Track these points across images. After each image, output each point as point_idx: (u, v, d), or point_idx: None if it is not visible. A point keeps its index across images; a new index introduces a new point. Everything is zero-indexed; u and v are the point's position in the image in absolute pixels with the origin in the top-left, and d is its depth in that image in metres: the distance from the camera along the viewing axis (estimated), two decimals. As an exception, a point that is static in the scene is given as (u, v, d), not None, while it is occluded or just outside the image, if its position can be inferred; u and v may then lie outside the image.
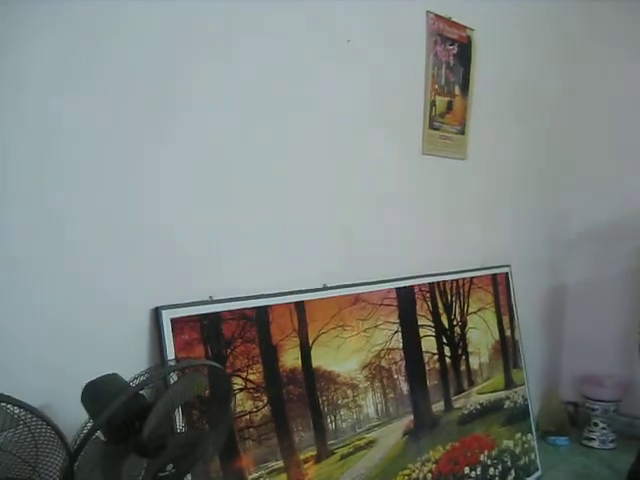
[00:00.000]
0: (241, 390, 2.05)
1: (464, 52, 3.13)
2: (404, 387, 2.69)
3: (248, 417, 2.06)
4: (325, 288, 2.40)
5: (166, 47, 1.92)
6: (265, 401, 2.11)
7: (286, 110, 2.30)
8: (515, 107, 3.57)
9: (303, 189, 2.39)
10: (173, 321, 1.91)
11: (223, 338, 2.03)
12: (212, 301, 2.03)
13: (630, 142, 4.03)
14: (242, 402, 2.04)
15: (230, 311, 2.05)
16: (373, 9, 2.62)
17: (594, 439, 3.94)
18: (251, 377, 2.09)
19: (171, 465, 1.42)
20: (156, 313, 1.90)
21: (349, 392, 2.42)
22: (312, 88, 2.39)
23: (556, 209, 4.16)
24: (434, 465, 2.75)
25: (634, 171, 3.98)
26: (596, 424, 3.95)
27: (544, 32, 3.71)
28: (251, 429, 2.06)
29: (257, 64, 2.18)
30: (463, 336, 3.10)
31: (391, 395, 2.61)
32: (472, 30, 3.16)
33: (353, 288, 2.51)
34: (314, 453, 2.25)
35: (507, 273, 3.47)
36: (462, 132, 3.16)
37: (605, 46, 4.05)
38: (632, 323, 3.44)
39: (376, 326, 2.59)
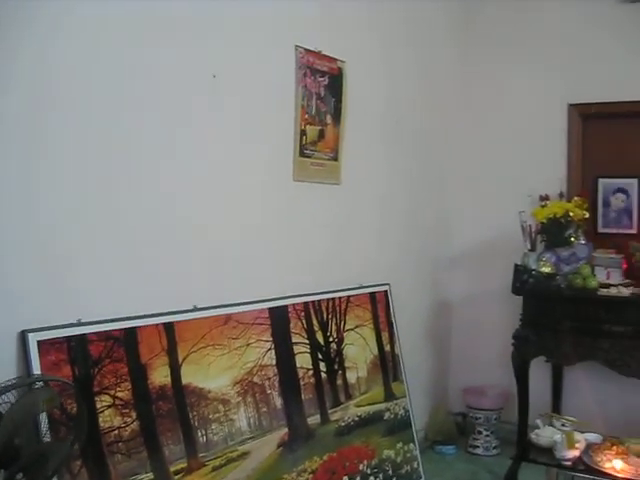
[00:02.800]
0: (109, 407, 2.29)
1: (335, 83, 3.49)
2: (278, 401, 2.97)
3: (117, 432, 2.29)
4: (195, 309, 2.66)
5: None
6: (134, 417, 2.35)
7: (156, 141, 2.58)
8: (387, 133, 3.97)
9: (176, 214, 2.66)
10: (40, 343, 2.14)
11: (91, 358, 2.27)
12: (79, 323, 2.26)
13: (503, 165, 4.52)
14: (110, 418, 2.28)
15: (97, 333, 2.29)
16: (243, 45, 2.93)
17: (478, 446, 4.34)
18: (120, 394, 2.32)
19: (21, 474, 1.64)
20: (23, 336, 2.12)
21: (220, 407, 2.68)
22: (184, 121, 2.68)
23: (438, 230, 4.59)
24: (311, 475, 3.03)
25: (506, 192, 4.45)
26: (480, 432, 4.34)
27: (409, 63, 4.16)
28: (120, 443, 2.29)
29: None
30: (339, 352, 3.42)
31: (264, 409, 2.89)
32: (343, 62, 3.52)
33: (224, 309, 2.79)
34: (185, 465, 2.49)
35: (386, 291, 3.82)
36: (335, 158, 3.51)
37: (472, 67, 4.62)
38: (510, 336, 3.85)
39: (248, 344, 2.87)
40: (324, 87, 3.42)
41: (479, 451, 4.34)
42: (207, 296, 2.75)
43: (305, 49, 3.28)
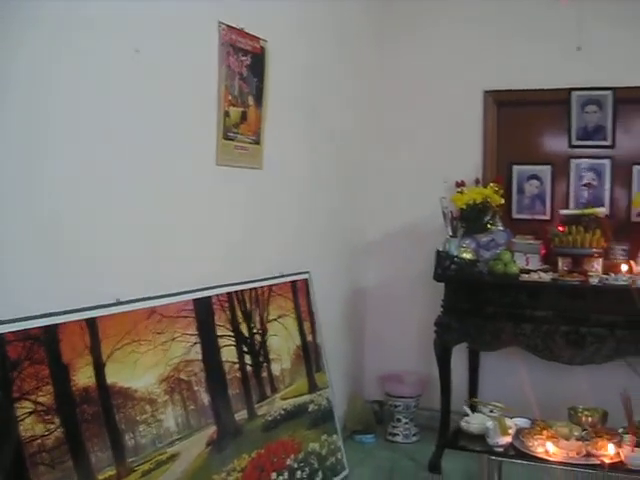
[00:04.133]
0: (31, 414, 2.11)
1: (257, 63, 3.38)
2: (205, 398, 2.86)
3: (40, 441, 2.12)
4: (118, 303, 2.51)
5: None
6: (57, 423, 2.18)
7: (74, 127, 2.40)
8: (308, 118, 3.91)
9: (88, 202, 2.50)
10: (-49, 346, 1.95)
11: (8, 361, 2.08)
12: (-5, 323, 2.08)
13: (422, 151, 4.59)
14: (32, 426, 2.10)
15: (14, 332, 2.11)
16: (164, 19, 2.78)
17: (398, 434, 4.39)
18: (41, 399, 2.15)
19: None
20: None
21: (147, 407, 2.55)
22: (101, 102, 2.51)
23: (358, 216, 4.60)
24: (240, 474, 2.94)
25: (425, 178, 4.51)
26: (399, 420, 4.39)
27: (329, 47, 4.13)
28: (43, 453, 2.12)
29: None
30: (264, 344, 3.34)
31: (192, 407, 2.78)
32: (265, 41, 3.42)
33: (148, 302, 2.65)
34: (113, 472, 2.34)
35: (306, 279, 3.78)
36: (257, 142, 3.41)
37: (390, 55, 4.67)
38: (429, 321, 3.89)
39: (174, 339, 2.74)
40: (247, 67, 3.31)
41: (399, 439, 4.39)
42: (130, 289, 2.60)
43: (228, 26, 3.15)
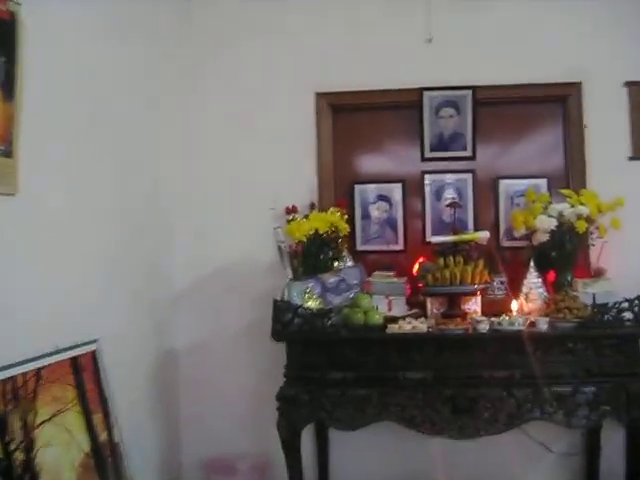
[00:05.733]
0: None
1: (4, 34, 2.30)
2: None
3: None
4: None
5: None
6: None
7: None
8: (89, 125, 2.83)
9: None
10: None
11: None
12: None
13: (242, 172, 3.65)
14: None
15: None
16: None
17: None
18: None
19: None
20: None
21: None
22: None
23: (159, 261, 3.54)
24: None
25: (248, 205, 3.59)
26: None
27: (125, 30, 3.10)
28: None
29: None
30: (30, 463, 2.21)
31: None
32: (18, 4, 2.34)
33: None
34: None
35: (94, 352, 2.68)
36: (7, 153, 2.30)
37: (198, 57, 3.71)
38: (267, 393, 2.97)
39: None
40: (-15, 39, 2.21)
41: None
42: None
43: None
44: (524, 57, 3.49)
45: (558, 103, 3.53)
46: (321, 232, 3.16)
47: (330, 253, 3.20)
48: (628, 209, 3.16)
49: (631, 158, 3.42)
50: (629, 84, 3.43)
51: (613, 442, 3.22)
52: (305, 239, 3.15)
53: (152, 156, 3.48)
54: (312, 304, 2.99)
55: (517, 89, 3.47)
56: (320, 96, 3.62)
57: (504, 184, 3.54)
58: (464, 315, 2.97)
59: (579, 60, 3.47)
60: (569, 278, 3.13)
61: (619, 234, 3.16)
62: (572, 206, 3.11)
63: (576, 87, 3.45)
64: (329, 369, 2.87)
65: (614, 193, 3.18)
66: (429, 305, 3.09)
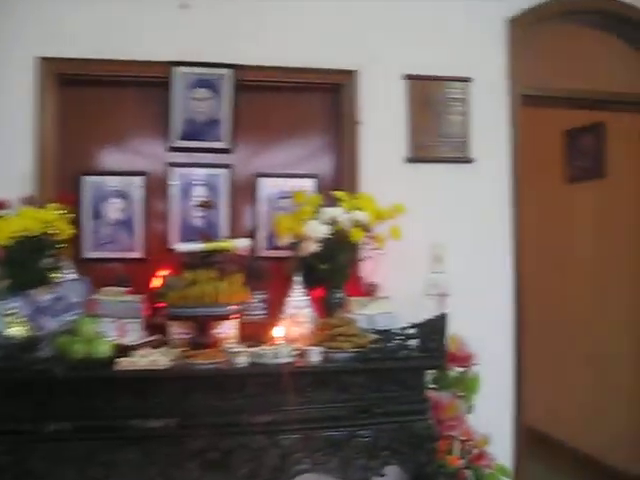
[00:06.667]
0: None
1: None
2: None
3: None
4: None
5: None
6: None
7: None
8: None
9: None
10: None
11: None
12: None
13: None
14: None
15: None
16: None
17: None
18: None
19: None
20: None
21: None
22: None
23: None
24: None
25: None
26: None
27: None
28: None
29: None
30: None
31: None
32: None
33: None
34: None
35: None
36: None
37: None
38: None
39: None
40: None
41: None
42: None
43: None
44: (296, 37, 3.04)
45: (331, 94, 3.10)
46: (33, 234, 2.42)
47: (43, 262, 2.46)
48: (403, 218, 2.82)
49: (408, 160, 3.10)
50: (409, 77, 3.09)
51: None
52: (11, 243, 2.40)
53: None
54: (17, 331, 2.25)
55: (285, 73, 2.99)
56: (44, 62, 2.84)
57: (266, 183, 3.03)
58: (217, 343, 2.40)
59: (356, 47, 3.08)
60: (341, 296, 2.71)
61: (394, 246, 2.81)
62: (347, 211, 2.68)
63: (351, 76, 3.04)
64: (40, 419, 2.15)
65: (388, 199, 2.80)
66: (173, 331, 2.48)
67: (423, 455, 2.36)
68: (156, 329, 2.56)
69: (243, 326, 2.57)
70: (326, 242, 2.64)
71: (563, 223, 4.87)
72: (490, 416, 2.93)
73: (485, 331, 3.05)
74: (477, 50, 3.23)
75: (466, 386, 2.89)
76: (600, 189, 4.50)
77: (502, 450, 3.05)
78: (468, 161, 3.20)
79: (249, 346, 2.35)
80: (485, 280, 3.19)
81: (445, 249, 3.09)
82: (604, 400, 4.30)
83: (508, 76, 3.26)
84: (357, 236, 2.64)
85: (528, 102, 3.32)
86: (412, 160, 3.11)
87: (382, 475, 2.39)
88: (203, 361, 2.24)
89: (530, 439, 3.51)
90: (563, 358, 4.79)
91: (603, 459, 4.27)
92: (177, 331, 2.49)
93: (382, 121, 3.09)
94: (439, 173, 3.17)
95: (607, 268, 4.38)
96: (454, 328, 2.60)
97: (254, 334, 2.50)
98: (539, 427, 4.68)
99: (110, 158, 2.99)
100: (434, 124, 3.16)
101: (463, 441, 2.73)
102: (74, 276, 2.57)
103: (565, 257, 4.84)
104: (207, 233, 2.66)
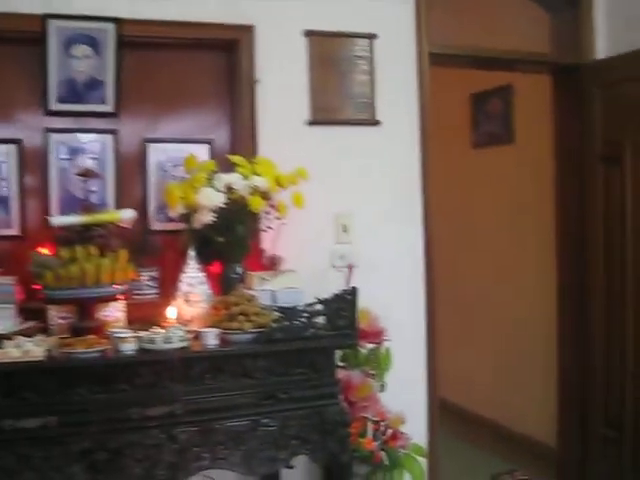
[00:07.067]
0: None
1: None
2: None
3: None
4: None
5: None
6: None
7: None
8: None
9: None
10: None
11: None
12: None
13: None
14: None
15: None
16: None
17: None
18: None
19: None
20: None
21: None
22: None
23: None
24: None
25: None
26: None
27: None
28: None
29: None
30: None
31: None
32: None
33: None
34: None
35: None
36: None
37: None
38: None
39: None
40: None
41: None
42: None
43: None
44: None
45: (226, 52, 2.85)
46: None
47: None
48: (306, 185, 2.64)
49: (310, 123, 2.90)
50: (310, 33, 2.88)
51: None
52: None
53: None
54: None
55: (175, 28, 2.69)
56: None
57: (156, 149, 2.78)
58: (101, 328, 2.16)
59: (253, 0, 2.82)
60: (240, 271, 2.50)
61: (297, 215, 2.62)
62: (245, 178, 2.46)
63: (248, 31, 2.78)
64: None
65: (290, 164, 2.58)
66: (52, 316, 2.22)
67: (336, 443, 2.21)
68: (33, 314, 2.29)
69: (131, 308, 2.34)
70: (222, 212, 2.40)
71: (469, 189, 4.81)
72: (403, 393, 2.83)
73: (395, 304, 2.93)
74: (383, 4, 3.02)
75: (378, 363, 2.75)
76: (507, 154, 4.46)
77: (417, 428, 2.94)
78: (374, 123, 3.02)
79: (138, 330, 2.11)
80: (394, 250, 3.04)
81: (351, 218, 2.94)
82: (517, 366, 4.31)
83: (415, 33, 3.08)
84: (256, 204, 2.41)
85: (436, 61, 3.15)
86: (315, 122, 2.90)
87: (291, 467, 2.24)
88: (84, 349, 1.99)
89: (446, 414, 3.45)
90: (473, 326, 4.78)
91: (519, 429, 4.28)
92: (56, 316, 2.24)
93: (282, 81, 2.86)
94: (344, 136, 2.99)
95: (513, 234, 4.36)
96: (363, 302, 2.44)
97: (144, 316, 2.27)
98: (454, 400, 4.66)
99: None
100: (338, 84, 2.96)
101: (376, 422, 2.60)
102: None
103: (472, 224, 4.80)
104: (87, 204, 2.38)
